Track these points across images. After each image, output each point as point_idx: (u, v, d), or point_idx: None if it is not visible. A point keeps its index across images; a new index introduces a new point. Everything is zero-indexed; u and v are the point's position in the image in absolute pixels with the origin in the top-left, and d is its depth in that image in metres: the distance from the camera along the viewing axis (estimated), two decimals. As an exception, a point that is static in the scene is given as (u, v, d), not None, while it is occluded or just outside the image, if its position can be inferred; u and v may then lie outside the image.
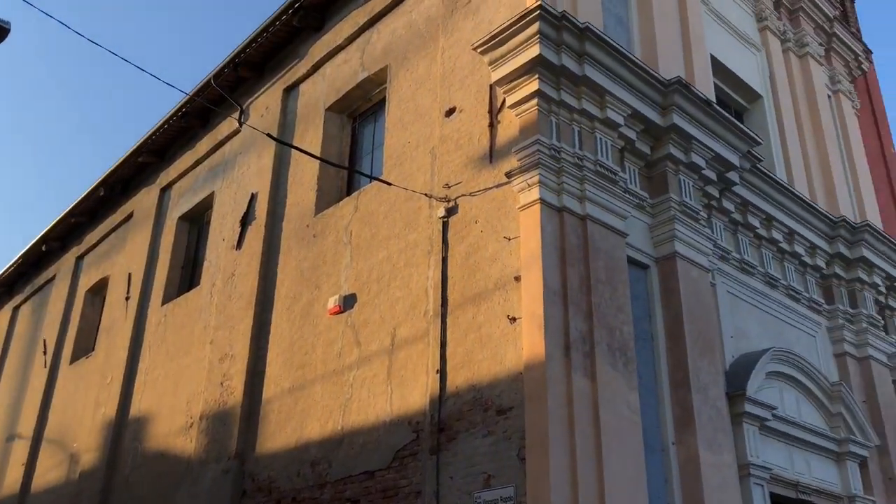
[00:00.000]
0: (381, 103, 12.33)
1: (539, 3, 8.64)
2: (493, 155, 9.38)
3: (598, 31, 8.96)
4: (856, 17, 19.29)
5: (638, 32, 11.19)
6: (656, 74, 9.65)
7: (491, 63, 9.21)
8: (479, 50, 9.27)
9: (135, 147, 17.05)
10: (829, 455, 11.07)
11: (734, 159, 10.50)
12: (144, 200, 17.51)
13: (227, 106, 15.12)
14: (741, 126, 10.43)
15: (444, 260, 9.45)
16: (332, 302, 10.83)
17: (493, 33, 9.05)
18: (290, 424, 10.87)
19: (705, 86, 11.80)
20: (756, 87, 13.65)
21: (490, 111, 9.64)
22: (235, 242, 13.60)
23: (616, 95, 9.32)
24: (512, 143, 9.08)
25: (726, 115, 10.25)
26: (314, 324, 11.20)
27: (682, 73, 11.42)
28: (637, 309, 9.26)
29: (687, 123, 9.91)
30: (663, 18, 11.40)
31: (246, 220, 13.59)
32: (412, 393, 9.20)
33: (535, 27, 8.71)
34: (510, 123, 9.30)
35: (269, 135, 9.50)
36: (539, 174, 8.59)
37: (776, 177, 11.69)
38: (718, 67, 13.05)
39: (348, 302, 10.73)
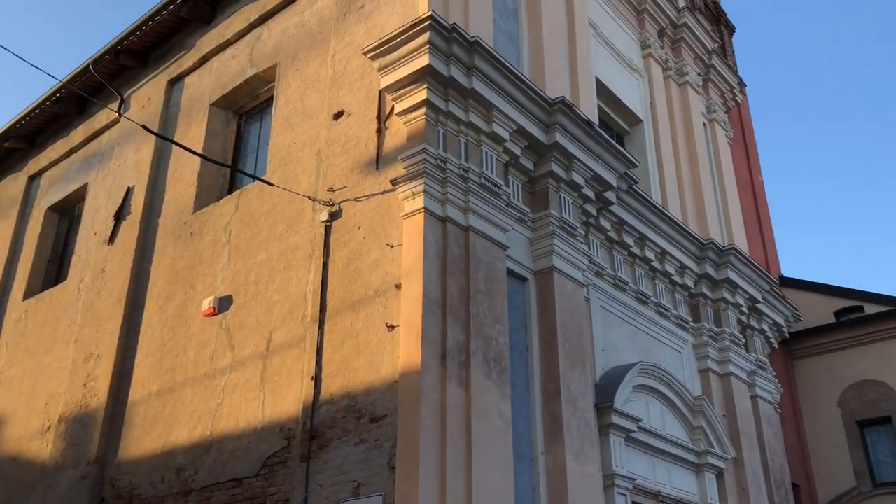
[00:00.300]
0: (269, 102, 12.08)
1: (430, 13, 8.69)
2: (379, 161, 9.35)
3: (487, 46, 9.10)
4: (732, 52, 20.47)
5: (527, 50, 11.44)
6: (542, 93, 9.89)
7: (380, 69, 9.18)
8: (369, 55, 9.23)
9: (1, 131, 16.00)
10: (690, 466, 11.61)
11: (612, 179, 10.89)
12: (10, 188, 16.45)
13: (106, 94, 14.45)
14: (619, 148, 10.82)
15: (325, 265, 9.33)
16: (207, 303, 10.49)
17: (383, 40, 9.03)
18: (157, 429, 10.43)
19: (589, 107, 12.20)
20: (637, 111, 14.23)
21: (378, 117, 9.61)
22: (108, 237, 12.96)
23: (502, 111, 9.49)
24: (399, 151, 9.08)
25: (606, 136, 10.62)
26: (187, 325, 10.81)
27: (567, 93, 11.77)
28: (514, 320, 9.43)
29: (569, 142, 10.20)
30: (552, 39, 11.71)
31: (120, 215, 12.98)
32: (285, 399, 9.01)
33: (425, 37, 8.75)
34: (398, 130, 9.30)
35: (145, 127, 9.10)
36: (424, 183, 8.62)
37: (651, 199, 12.19)
38: (603, 90, 13.53)
39: (224, 304, 10.42)
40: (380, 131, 9.52)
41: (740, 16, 49.20)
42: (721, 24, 20.45)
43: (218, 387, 9.91)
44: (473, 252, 8.82)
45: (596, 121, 12.27)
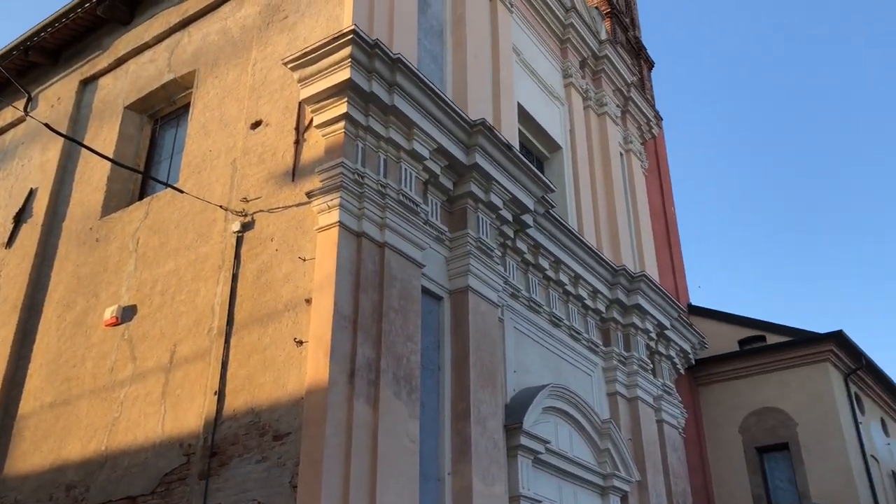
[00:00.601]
0: (186, 108, 11.77)
1: (353, 27, 8.64)
2: (296, 173, 9.20)
3: (409, 64, 9.11)
4: (651, 86, 21.16)
5: (451, 72, 11.51)
6: (463, 114, 9.95)
7: (301, 80, 9.07)
8: (289, 66, 9.11)
9: None
10: (595, 489, 11.75)
11: (529, 203, 11.02)
12: None
13: (13, 91, 13.82)
14: (537, 172, 10.98)
15: (235, 276, 9.10)
16: (110, 313, 10.07)
17: (304, 51, 8.93)
18: (48, 443, 9.90)
19: (510, 131, 12.36)
20: (557, 138, 14.50)
21: (297, 128, 9.48)
22: (6, 240, 12.33)
23: (423, 129, 9.49)
24: (316, 163, 8.96)
25: (524, 160, 10.75)
26: (87, 335, 10.34)
27: (489, 115, 11.89)
28: (427, 339, 9.38)
29: (488, 164, 10.29)
30: (476, 62, 11.83)
31: (21, 217, 12.38)
32: (187, 414, 8.69)
33: (347, 51, 8.69)
34: (316, 143, 9.19)
35: (49, 127, 8.69)
36: (340, 197, 8.52)
37: (567, 224, 12.40)
38: (525, 115, 13.73)
39: (127, 314, 10.02)
40: (298, 143, 9.39)
41: (660, 52, 51.20)
42: (641, 58, 21.14)
43: (116, 400, 9.49)
44: (388, 269, 8.75)
45: (517, 145, 12.45)
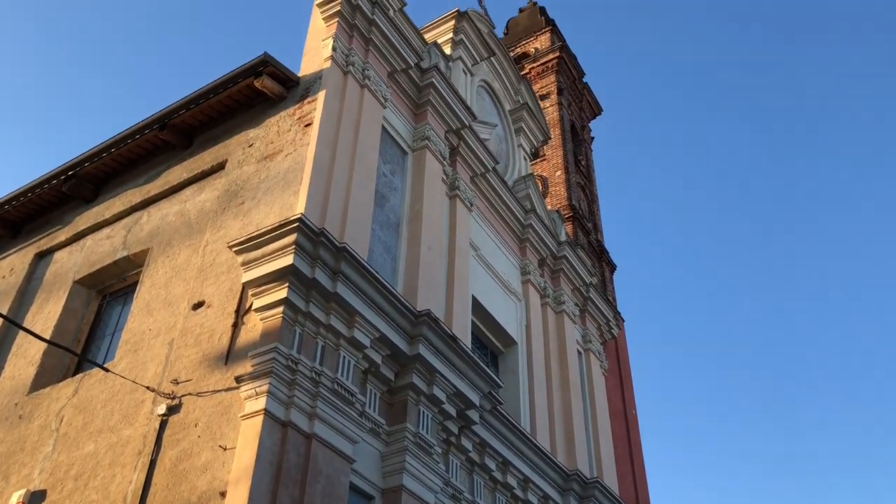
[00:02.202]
0: (136, 285, 11.67)
1: (300, 215, 8.77)
2: (229, 356, 8.94)
3: (354, 253, 9.16)
4: (613, 288, 21.54)
5: (404, 263, 11.61)
6: (408, 304, 9.90)
7: (244, 264, 9.06)
8: (234, 249, 9.14)
9: None
10: None
11: (474, 397, 10.71)
12: None
13: (-32, 259, 13.74)
14: (483, 367, 10.77)
15: (153, 462, 8.55)
16: (16, 498, 9.34)
17: (250, 235, 9.00)
18: None
19: (462, 323, 12.30)
20: (513, 333, 14.43)
21: (237, 311, 9.34)
22: (-73, 412, 11.69)
23: (366, 317, 9.39)
24: (250, 348, 8.73)
25: (470, 353, 10.58)
26: (-12, 521, 9.53)
27: (441, 308, 11.88)
28: (353, 542, 8.70)
29: (432, 356, 10.10)
30: (430, 254, 11.97)
31: (-52, 389, 11.82)
32: None
33: (291, 238, 8.76)
34: (253, 327, 9.01)
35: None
36: (269, 383, 8.22)
37: (518, 423, 12.00)
38: (480, 309, 13.75)
39: (35, 500, 9.30)
40: (236, 326, 9.21)
41: (624, 255, 52.94)
42: (603, 261, 21.68)
43: None
44: (314, 462, 8.26)
45: (468, 338, 12.35)
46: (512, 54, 26.57)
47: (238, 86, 11.70)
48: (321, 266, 9.01)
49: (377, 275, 9.43)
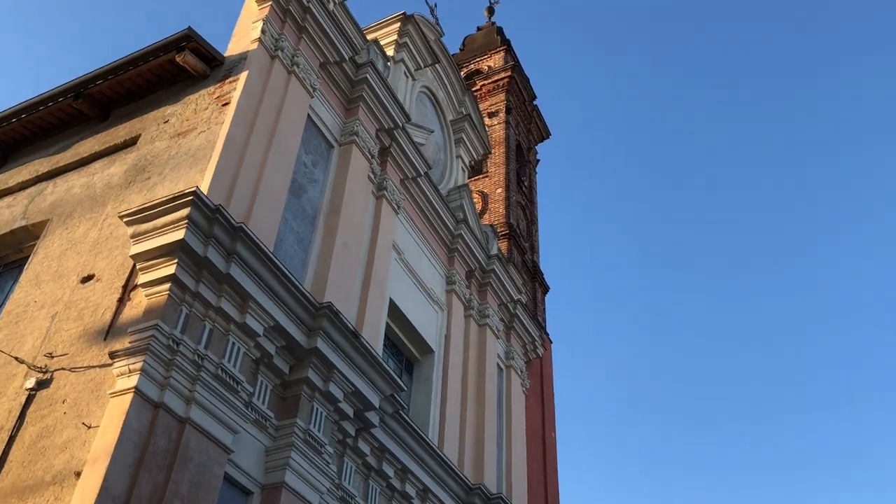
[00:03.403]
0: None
1: (194, 189, 8.37)
2: (110, 333, 8.46)
3: (251, 234, 8.77)
4: (543, 308, 21.37)
5: (316, 256, 11.23)
6: (307, 294, 9.51)
7: (134, 236, 8.61)
8: (125, 220, 8.69)
9: None
10: None
11: (374, 399, 10.34)
12: None
13: None
14: (385, 367, 10.41)
15: (12, 439, 7.99)
16: None
17: (142, 206, 8.56)
18: None
19: (375, 324, 11.95)
20: (431, 341, 14.11)
21: (125, 286, 8.86)
22: None
23: (260, 303, 8.98)
24: (132, 324, 8.26)
25: (373, 352, 10.21)
26: None
27: (354, 305, 11.54)
28: (222, 537, 8.22)
29: (331, 350, 9.72)
30: (346, 251, 11.59)
31: None
32: None
33: (184, 212, 8.35)
34: (139, 304, 8.55)
35: None
36: (144, 361, 7.76)
37: (421, 430, 11.64)
38: (398, 314, 13.42)
39: None
40: (121, 301, 8.74)
41: (560, 279, 53.20)
42: (536, 281, 21.53)
43: None
44: (185, 448, 7.80)
45: (380, 340, 12.02)
46: (465, 71, 26.53)
47: (159, 60, 11.29)
48: (215, 245, 8.60)
49: (275, 259, 9.04)
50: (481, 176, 22.33)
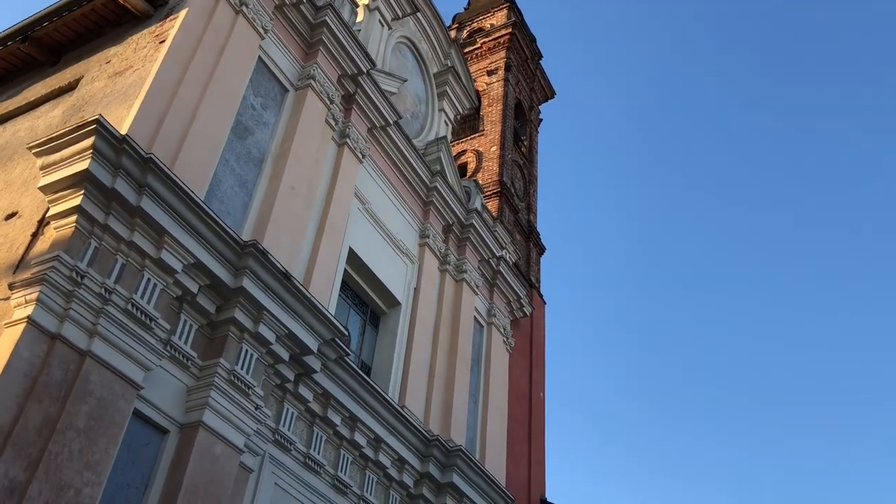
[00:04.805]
0: (-25, 201, 11.02)
1: (97, 117, 8.11)
2: (19, 266, 8.29)
3: (162, 165, 8.48)
4: (538, 269, 20.85)
5: (260, 199, 10.93)
6: (232, 231, 9.21)
7: (42, 168, 8.41)
8: (33, 151, 8.49)
9: None
10: None
11: (311, 343, 10.04)
12: None
13: None
14: (324, 310, 10.08)
15: (-82, 371, 7.87)
16: None
17: (49, 137, 8.34)
18: None
19: (328, 273, 11.67)
20: (398, 294, 13.77)
21: (41, 221, 8.68)
22: None
23: (178, 240, 8.72)
24: (37, 257, 8.07)
25: (307, 294, 9.88)
26: None
27: (302, 252, 11.28)
28: (130, 474, 8.04)
29: (259, 290, 9.43)
30: (293, 195, 11.27)
31: None
32: None
33: (88, 141, 8.11)
34: (50, 237, 8.35)
35: None
36: (40, 291, 7.56)
37: (371, 379, 11.36)
38: (361, 265, 13.11)
39: None
40: (35, 236, 8.56)
41: (562, 243, 52.43)
42: (531, 241, 21.00)
43: None
44: (83, 381, 7.60)
45: (335, 288, 11.74)
46: (469, 29, 25.94)
47: (101, -1, 11.05)
48: (124, 176, 8.34)
49: (191, 192, 8.74)
50: (477, 134, 21.82)
